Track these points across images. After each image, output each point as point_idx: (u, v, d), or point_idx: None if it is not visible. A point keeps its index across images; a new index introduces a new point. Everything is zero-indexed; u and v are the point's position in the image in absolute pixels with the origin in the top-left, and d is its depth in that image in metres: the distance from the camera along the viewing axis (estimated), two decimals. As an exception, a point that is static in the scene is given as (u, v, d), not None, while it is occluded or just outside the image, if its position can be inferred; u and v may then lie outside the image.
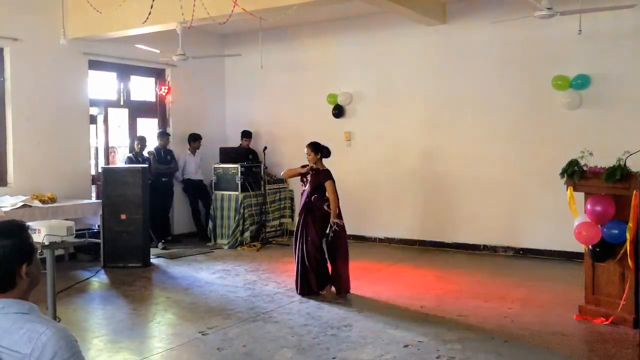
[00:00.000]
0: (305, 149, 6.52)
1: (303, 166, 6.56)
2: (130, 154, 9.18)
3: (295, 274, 6.39)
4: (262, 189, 9.64)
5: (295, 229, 6.53)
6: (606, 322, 5.12)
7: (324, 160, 6.55)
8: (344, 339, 4.91)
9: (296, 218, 10.16)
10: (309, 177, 6.43)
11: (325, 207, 6.28)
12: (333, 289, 6.34)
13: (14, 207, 6.87)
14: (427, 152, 8.94)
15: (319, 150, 6.48)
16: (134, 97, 9.93)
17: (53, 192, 7.69)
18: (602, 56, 7.56)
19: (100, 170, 8.62)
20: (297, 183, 10.21)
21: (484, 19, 8.15)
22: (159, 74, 10.15)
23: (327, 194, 6.28)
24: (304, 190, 6.48)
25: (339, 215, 6.28)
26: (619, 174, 4.88)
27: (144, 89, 10.19)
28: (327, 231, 6.25)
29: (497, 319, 5.41)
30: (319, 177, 6.35)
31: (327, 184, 6.30)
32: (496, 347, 4.67)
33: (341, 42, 9.68)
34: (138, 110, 10.00)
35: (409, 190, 9.10)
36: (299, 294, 6.26)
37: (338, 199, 6.33)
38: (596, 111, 7.65)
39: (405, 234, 9.15)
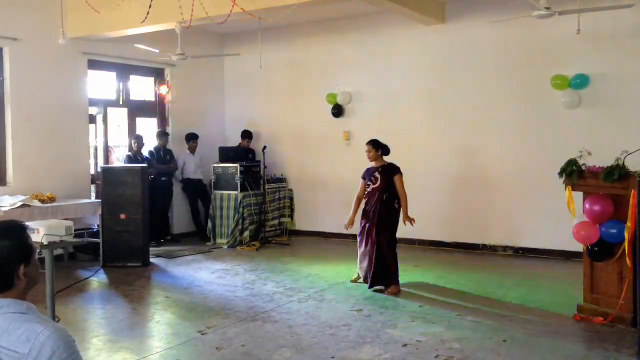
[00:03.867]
0: (366, 147, 6.48)
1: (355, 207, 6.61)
2: (130, 152, 9.19)
3: (371, 268, 6.37)
4: (262, 189, 9.65)
5: (363, 228, 6.48)
6: (605, 322, 5.12)
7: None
8: (342, 338, 4.91)
9: (296, 217, 10.33)
10: (377, 175, 6.38)
11: (395, 205, 6.36)
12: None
13: (13, 207, 6.87)
14: (425, 152, 8.94)
15: (379, 147, 6.45)
16: (133, 96, 9.94)
17: (52, 192, 7.69)
18: (601, 56, 7.57)
19: (99, 169, 8.62)
20: (297, 183, 10.28)
21: (482, 18, 8.15)
22: (158, 74, 10.15)
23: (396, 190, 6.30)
24: (367, 192, 6.45)
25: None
26: (617, 173, 4.88)
27: (143, 88, 10.19)
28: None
29: (495, 319, 5.41)
30: (388, 172, 6.34)
31: (396, 179, 6.32)
32: (495, 347, 4.68)
33: (340, 41, 9.69)
34: (137, 109, 10.00)
35: (407, 189, 9.06)
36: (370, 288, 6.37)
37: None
38: (595, 111, 7.65)
39: (404, 233, 9.09)
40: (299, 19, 9.33)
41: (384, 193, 6.37)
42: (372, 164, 6.53)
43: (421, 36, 8.91)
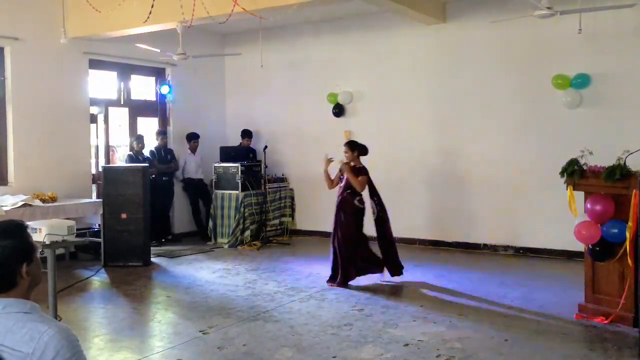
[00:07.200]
0: (344, 148, 6.86)
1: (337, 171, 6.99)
2: (131, 152, 9.19)
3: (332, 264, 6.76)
4: (263, 188, 9.65)
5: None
6: (606, 321, 5.12)
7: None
8: (344, 338, 4.91)
9: (297, 217, 10.34)
10: (344, 175, 6.80)
11: (356, 202, 6.69)
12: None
13: (14, 207, 6.87)
14: (426, 151, 8.94)
15: (355, 148, 6.83)
16: (135, 96, 9.94)
17: (54, 191, 7.70)
18: (602, 55, 7.56)
19: (100, 169, 8.63)
20: (298, 182, 10.28)
21: (483, 18, 8.15)
22: (159, 73, 10.16)
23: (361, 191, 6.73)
24: (340, 187, 6.84)
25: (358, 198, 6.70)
26: (618, 173, 4.88)
27: (144, 88, 10.20)
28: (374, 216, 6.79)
29: (497, 318, 5.41)
30: (355, 173, 6.70)
31: (360, 177, 6.68)
32: (496, 346, 4.68)
33: (341, 41, 9.69)
34: (138, 109, 10.01)
35: (408, 189, 9.10)
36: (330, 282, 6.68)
37: (372, 193, 6.83)
38: (596, 110, 7.65)
39: (405, 233, 9.13)
40: (300, 19, 9.33)
41: (345, 191, 6.75)
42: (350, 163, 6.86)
43: (422, 36, 8.90)
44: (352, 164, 6.78)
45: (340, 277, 6.62)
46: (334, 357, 4.50)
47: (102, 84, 9.53)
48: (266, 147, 9.80)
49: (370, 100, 9.49)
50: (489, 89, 8.41)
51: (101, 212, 7.86)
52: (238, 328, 5.20)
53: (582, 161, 5.28)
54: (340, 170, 6.85)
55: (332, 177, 6.99)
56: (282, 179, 10.25)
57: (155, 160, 9.45)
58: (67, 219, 7.35)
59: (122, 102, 9.69)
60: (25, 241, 1.92)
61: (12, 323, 1.79)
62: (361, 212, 6.75)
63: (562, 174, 5.38)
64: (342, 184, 6.81)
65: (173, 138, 10.14)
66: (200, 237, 9.89)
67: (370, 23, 9.31)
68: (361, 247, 6.76)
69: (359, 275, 6.73)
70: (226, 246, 9.22)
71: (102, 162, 9.20)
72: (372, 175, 9.48)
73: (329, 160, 6.96)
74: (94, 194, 8.93)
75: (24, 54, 7.95)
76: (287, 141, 10.32)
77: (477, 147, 8.52)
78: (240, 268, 7.69)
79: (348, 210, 6.68)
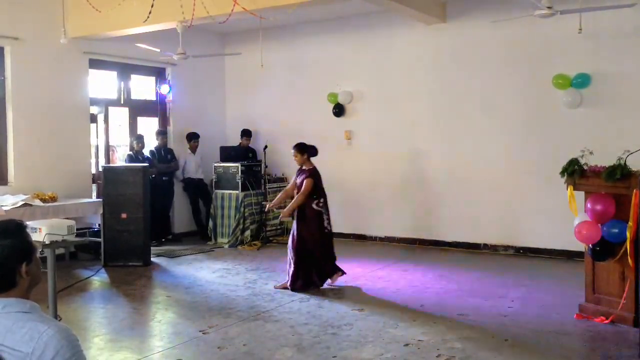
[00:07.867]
0: (292, 150, 6.66)
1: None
2: (131, 152, 9.19)
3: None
4: (263, 188, 9.65)
5: None
6: (606, 321, 5.12)
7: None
8: (344, 337, 4.91)
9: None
10: (298, 179, 6.64)
11: (314, 206, 6.50)
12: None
13: (14, 206, 6.87)
14: (427, 151, 8.94)
15: (304, 150, 6.63)
16: (135, 96, 9.94)
17: (54, 191, 7.70)
18: (603, 55, 7.56)
19: (100, 169, 8.63)
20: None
21: (484, 17, 8.14)
22: (159, 73, 10.16)
23: (316, 193, 6.52)
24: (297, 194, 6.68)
25: (307, 216, 6.49)
26: (619, 173, 4.87)
27: (144, 87, 10.20)
28: (325, 225, 6.58)
29: (497, 318, 5.41)
30: (302, 177, 6.55)
31: (305, 181, 6.48)
32: (496, 346, 4.68)
33: (341, 40, 9.69)
34: (138, 109, 10.01)
35: (409, 188, 9.10)
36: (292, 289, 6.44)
37: (318, 200, 6.56)
38: (596, 110, 7.65)
39: (405, 233, 9.15)
40: (301, 18, 9.33)
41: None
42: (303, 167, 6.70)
43: (423, 36, 8.90)
44: (304, 167, 6.60)
45: (301, 280, 6.42)
46: (334, 357, 4.50)
47: (102, 83, 9.53)
48: (266, 147, 9.80)
49: (370, 100, 9.48)
50: (489, 89, 8.41)
51: (101, 212, 7.86)
52: (238, 328, 5.19)
53: (582, 161, 5.28)
54: (297, 176, 6.68)
55: (289, 191, 6.81)
56: (282, 179, 10.24)
57: (155, 160, 9.45)
58: (67, 218, 7.34)
59: (122, 102, 9.69)
60: (25, 241, 1.92)
61: (11, 323, 1.79)
62: (321, 214, 6.55)
63: (562, 173, 5.38)
64: (297, 189, 6.66)
65: (173, 138, 10.14)
66: (200, 237, 9.89)
67: (370, 23, 9.31)
68: (326, 249, 6.60)
69: (327, 278, 6.57)
70: (226, 246, 9.22)
71: (102, 161, 9.20)
72: (372, 174, 9.52)
73: (271, 207, 7.08)
74: (94, 194, 8.93)
75: (24, 54, 7.95)
76: (287, 141, 10.26)
77: (478, 146, 8.51)
78: (240, 268, 7.68)
79: (309, 214, 6.50)
